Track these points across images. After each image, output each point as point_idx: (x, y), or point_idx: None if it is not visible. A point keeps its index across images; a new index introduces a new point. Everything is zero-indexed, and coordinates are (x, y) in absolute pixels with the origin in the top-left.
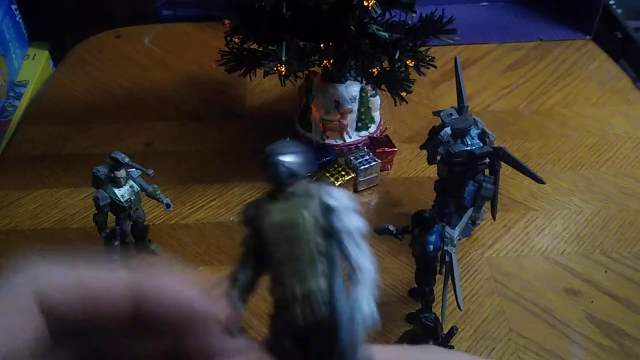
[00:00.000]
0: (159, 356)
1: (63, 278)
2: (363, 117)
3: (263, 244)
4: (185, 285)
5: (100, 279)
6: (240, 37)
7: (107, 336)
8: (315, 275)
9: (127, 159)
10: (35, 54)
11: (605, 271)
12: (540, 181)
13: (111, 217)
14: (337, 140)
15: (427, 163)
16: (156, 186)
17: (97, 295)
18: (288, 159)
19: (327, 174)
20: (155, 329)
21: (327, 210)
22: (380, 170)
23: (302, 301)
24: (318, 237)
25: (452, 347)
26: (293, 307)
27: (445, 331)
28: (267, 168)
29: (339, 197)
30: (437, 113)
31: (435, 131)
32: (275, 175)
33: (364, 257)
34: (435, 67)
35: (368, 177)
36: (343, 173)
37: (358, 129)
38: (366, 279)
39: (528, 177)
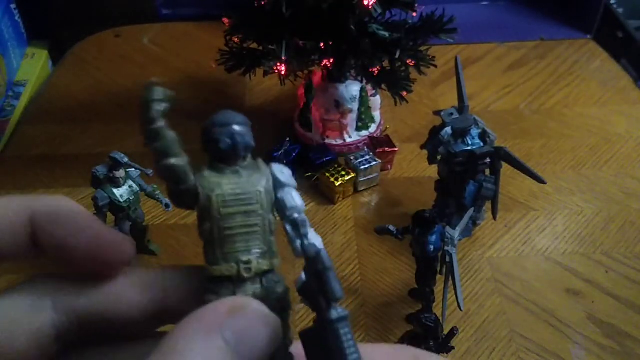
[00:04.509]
0: None
1: None
2: (363, 116)
3: (207, 218)
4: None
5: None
6: (240, 36)
7: None
8: (270, 254)
9: (126, 159)
10: (34, 54)
11: (606, 271)
12: (541, 181)
13: (110, 218)
14: (337, 140)
15: (427, 163)
16: (155, 186)
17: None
18: (243, 130)
19: (327, 174)
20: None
21: (278, 185)
22: (381, 170)
23: (254, 278)
24: (270, 213)
25: (452, 348)
26: (242, 284)
27: (445, 332)
28: (222, 138)
29: (288, 175)
30: (437, 113)
31: (435, 131)
32: (233, 146)
33: (315, 236)
34: (435, 66)
35: (368, 177)
36: (343, 173)
37: (358, 129)
38: (324, 259)
39: (529, 177)
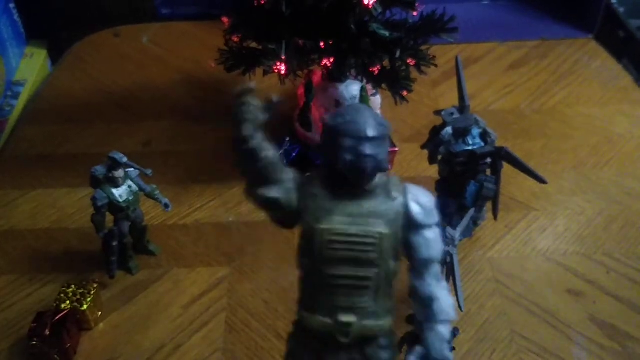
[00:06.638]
0: None
1: None
2: None
3: (307, 252)
4: None
5: None
6: (240, 35)
7: None
8: (380, 314)
9: (125, 159)
10: (33, 53)
11: (608, 272)
12: (542, 181)
13: (110, 218)
14: None
15: (428, 163)
16: (155, 186)
17: None
18: (375, 148)
19: None
20: None
21: (412, 225)
22: None
23: (353, 345)
24: (392, 259)
25: (453, 349)
26: (334, 350)
27: None
28: (344, 155)
29: (426, 205)
30: (438, 112)
31: (436, 131)
32: (357, 169)
33: (444, 292)
34: (436, 66)
35: None
36: None
37: None
38: (445, 322)
39: (530, 177)
